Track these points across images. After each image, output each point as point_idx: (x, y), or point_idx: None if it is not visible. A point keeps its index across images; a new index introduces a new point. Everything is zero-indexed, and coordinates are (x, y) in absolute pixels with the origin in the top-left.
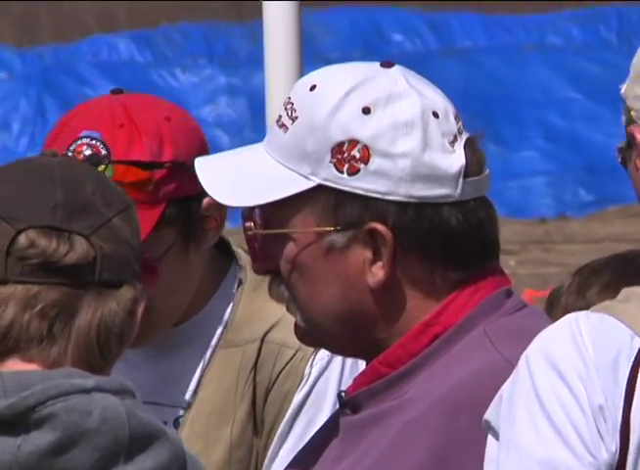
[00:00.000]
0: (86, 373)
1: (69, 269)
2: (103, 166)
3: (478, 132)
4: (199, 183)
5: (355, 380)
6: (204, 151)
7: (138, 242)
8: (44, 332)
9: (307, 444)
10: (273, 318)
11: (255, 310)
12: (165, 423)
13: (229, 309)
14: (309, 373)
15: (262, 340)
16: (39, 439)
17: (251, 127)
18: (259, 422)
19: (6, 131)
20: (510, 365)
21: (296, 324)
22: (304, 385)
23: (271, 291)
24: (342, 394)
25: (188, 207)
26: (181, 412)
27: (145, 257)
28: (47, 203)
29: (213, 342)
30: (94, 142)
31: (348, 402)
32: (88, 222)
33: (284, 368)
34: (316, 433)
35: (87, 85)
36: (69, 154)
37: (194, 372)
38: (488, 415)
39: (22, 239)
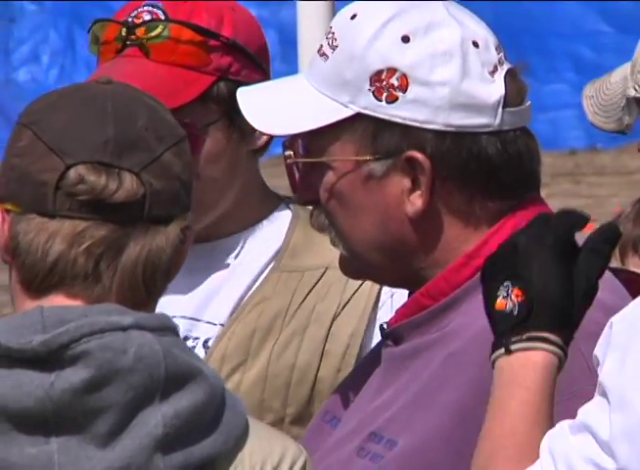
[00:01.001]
0: (126, 309)
1: (118, 206)
2: (160, 27)
3: (520, 64)
4: (257, 70)
5: (397, 312)
6: (263, 50)
7: (189, 176)
8: (90, 269)
9: (351, 373)
10: (334, 249)
11: (313, 240)
12: (197, 339)
13: (283, 235)
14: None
15: (326, 268)
16: (72, 376)
17: (280, 58)
18: (315, 346)
19: (36, 64)
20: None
21: (340, 255)
22: (385, 301)
23: (312, 221)
24: (385, 325)
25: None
26: (217, 330)
27: (185, 121)
28: (98, 137)
29: (264, 263)
30: (154, 9)
31: (390, 334)
32: (139, 158)
33: (357, 290)
34: (360, 363)
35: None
36: (130, 19)
37: (238, 291)
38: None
39: (72, 174)
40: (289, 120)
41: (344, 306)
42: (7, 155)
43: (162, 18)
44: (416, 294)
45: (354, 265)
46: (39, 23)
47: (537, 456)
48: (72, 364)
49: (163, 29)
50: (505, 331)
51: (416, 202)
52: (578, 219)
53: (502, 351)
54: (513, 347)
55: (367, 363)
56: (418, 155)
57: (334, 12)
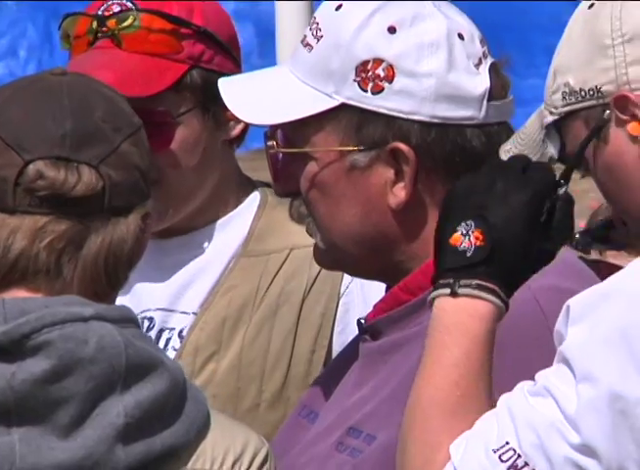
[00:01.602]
0: (87, 301)
1: (78, 201)
2: (131, 18)
3: (502, 58)
4: (229, 58)
5: (375, 306)
6: (234, 39)
7: (148, 164)
8: (52, 264)
9: (327, 368)
10: (299, 230)
11: (279, 223)
12: (173, 329)
13: (250, 222)
14: None
15: (291, 249)
16: (33, 366)
17: (257, 53)
18: (287, 329)
19: (13, 58)
20: (530, 291)
21: (315, 246)
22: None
23: (291, 212)
24: (362, 320)
25: (212, 81)
26: (190, 319)
27: (160, 110)
28: (56, 131)
29: (233, 251)
30: (124, 1)
31: (368, 329)
32: (97, 151)
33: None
34: (336, 357)
35: None
36: (100, 12)
37: (210, 280)
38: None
39: (31, 170)
40: (272, 110)
41: (312, 286)
42: None
43: (131, 6)
44: (394, 288)
45: (330, 256)
46: (17, 18)
47: (476, 412)
48: (34, 354)
49: (134, 19)
50: (451, 269)
51: (399, 193)
52: (559, 182)
53: (447, 291)
54: (460, 290)
55: (344, 358)
56: (402, 146)
57: (312, 7)
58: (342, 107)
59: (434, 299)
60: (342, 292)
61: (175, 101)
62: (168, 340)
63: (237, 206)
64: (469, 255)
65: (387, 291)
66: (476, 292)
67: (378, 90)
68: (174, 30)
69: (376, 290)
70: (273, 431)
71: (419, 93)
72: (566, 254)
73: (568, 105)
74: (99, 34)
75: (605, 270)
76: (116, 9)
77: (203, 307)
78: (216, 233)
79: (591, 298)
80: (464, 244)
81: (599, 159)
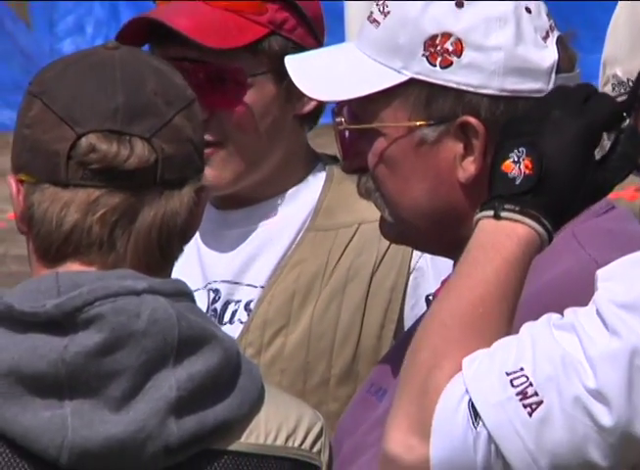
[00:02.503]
0: (141, 275)
1: (131, 173)
2: None
3: (568, 32)
4: (311, 35)
5: (443, 283)
6: (319, 20)
7: (201, 137)
8: (105, 237)
9: (395, 345)
10: (367, 204)
11: (346, 198)
12: (239, 301)
13: (317, 196)
14: None
15: (360, 224)
16: (86, 339)
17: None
18: (356, 303)
19: (80, 34)
20: (598, 266)
21: (381, 219)
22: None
23: (359, 188)
24: (431, 297)
25: (290, 51)
26: (258, 292)
27: (234, 66)
28: (108, 105)
29: (300, 224)
30: None
31: None
32: (149, 124)
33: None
34: (404, 334)
35: None
36: None
37: (277, 253)
38: None
39: (83, 143)
40: (340, 86)
41: (382, 259)
42: (18, 125)
43: None
44: None
45: (397, 230)
46: None
47: (495, 332)
48: (86, 328)
49: None
50: (501, 196)
51: (468, 167)
52: (618, 112)
53: (491, 213)
54: (503, 213)
55: (412, 334)
56: (472, 119)
57: None
58: (411, 82)
59: (478, 221)
60: (412, 267)
61: (250, 62)
62: (234, 312)
63: (303, 179)
64: (517, 183)
65: (454, 267)
66: (517, 216)
67: (446, 64)
68: None
69: (446, 266)
70: (342, 406)
71: (488, 67)
72: (625, 225)
73: (619, 96)
74: None
75: None
76: None
77: (271, 281)
78: (283, 206)
79: (621, 263)
80: (514, 171)
81: None
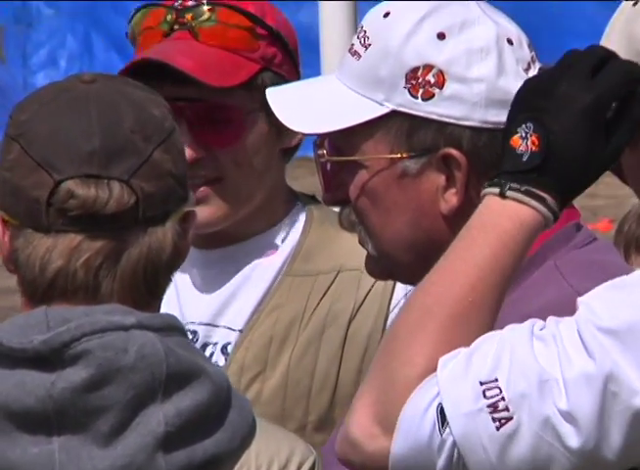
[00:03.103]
0: (129, 309)
1: (111, 217)
2: (208, 12)
3: (550, 63)
4: (294, 68)
5: None
6: (296, 51)
7: (181, 168)
8: (90, 281)
9: None
10: (347, 249)
11: (326, 242)
12: (216, 344)
13: (297, 238)
14: (403, 286)
15: (339, 271)
16: (73, 375)
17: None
18: (334, 350)
19: (54, 68)
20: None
21: (367, 255)
22: (400, 300)
23: (341, 220)
24: None
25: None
26: (235, 335)
27: (232, 104)
28: (85, 148)
29: (279, 267)
30: None
31: None
32: (127, 164)
33: (370, 290)
34: None
35: None
36: (176, 4)
37: (255, 296)
38: None
39: (62, 190)
40: (322, 119)
41: (360, 307)
42: None
43: (206, 2)
44: None
45: (382, 265)
46: (56, 28)
47: (480, 325)
48: (73, 363)
49: (212, 14)
50: (508, 172)
51: (451, 199)
52: (630, 82)
53: (497, 190)
54: (508, 193)
55: None
56: (454, 152)
57: (356, 12)
58: (393, 114)
59: (484, 196)
60: (390, 310)
61: (245, 99)
62: (211, 355)
63: (282, 219)
64: (524, 159)
65: None
66: (522, 197)
67: (428, 96)
68: (251, 28)
69: None
70: (320, 453)
71: (470, 98)
72: (608, 256)
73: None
74: (176, 26)
75: None
76: (191, 3)
77: (248, 326)
78: (262, 247)
79: (605, 287)
80: (521, 147)
81: None
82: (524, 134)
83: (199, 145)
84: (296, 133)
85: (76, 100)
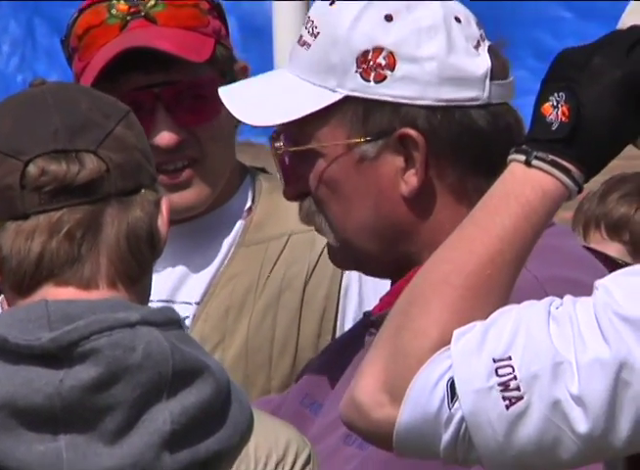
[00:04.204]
0: (131, 304)
1: (85, 187)
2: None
3: (499, 40)
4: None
5: (382, 300)
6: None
7: (145, 145)
8: (75, 253)
9: (326, 354)
10: (296, 214)
11: (275, 210)
12: None
13: (247, 209)
14: None
15: (290, 235)
16: (82, 373)
17: (241, 48)
18: (291, 315)
19: None
20: (538, 283)
21: (329, 246)
22: None
23: (301, 213)
24: (367, 314)
25: (230, 58)
26: (193, 309)
27: (212, 77)
28: (47, 129)
29: (232, 239)
30: None
31: (375, 323)
32: (92, 137)
33: (322, 251)
34: (335, 344)
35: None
36: (115, 1)
37: (210, 269)
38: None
39: (32, 169)
40: (276, 110)
41: (314, 270)
42: None
43: None
44: (401, 281)
45: (344, 254)
46: None
47: (496, 298)
48: (82, 362)
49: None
50: (535, 139)
51: (410, 180)
52: None
53: (523, 157)
54: (534, 162)
55: (345, 347)
56: (411, 131)
57: (307, 7)
58: (346, 99)
59: (510, 162)
60: (344, 274)
61: (213, 74)
62: None
63: (234, 192)
64: (553, 128)
65: (392, 285)
66: (547, 167)
67: (380, 79)
68: (196, 5)
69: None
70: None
71: (422, 78)
72: (566, 241)
73: None
74: (128, 17)
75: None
76: None
77: (205, 298)
78: (215, 221)
79: (625, 273)
80: (552, 115)
81: None
82: (555, 103)
83: (179, 127)
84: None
85: (31, 95)
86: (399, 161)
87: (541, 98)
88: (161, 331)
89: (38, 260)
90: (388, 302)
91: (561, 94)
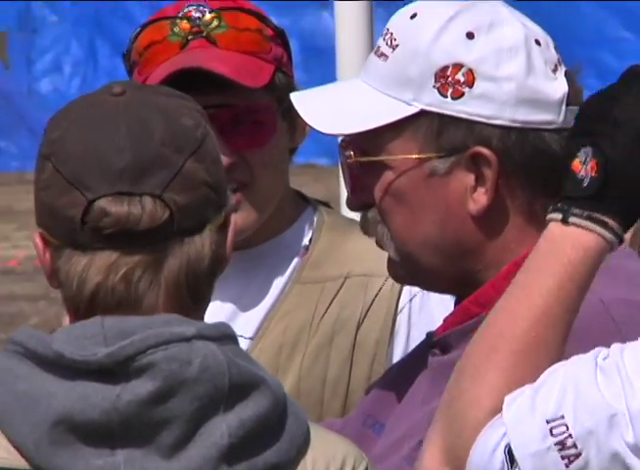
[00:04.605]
0: (186, 319)
1: (145, 233)
2: (216, 19)
3: (576, 67)
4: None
5: (445, 320)
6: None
7: (216, 173)
8: (131, 295)
9: (388, 377)
10: (354, 255)
11: (334, 249)
12: None
13: (305, 245)
14: (408, 290)
15: (346, 277)
16: (139, 388)
17: (302, 68)
18: (343, 357)
19: (58, 74)
20: (603, 305)
21: (389, 259)
22: (405, 305)
23: (363, 224)
24: (430, 334)
25: (290, 85)
26: (246, 343)
27: (265, 103)
28: (116, 165)
29: (289, 274)
30: (202, 7)
31: (438, 343)
32: (159, 179)
33: (377, 295)
34: (397, 367)
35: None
36: (178, 19)
37: (265, 303)
38: None
39: (95, 209)
40: (350, 120)
41: (367, 313)
42: (35, 187)
43: (208, 10)
44: (465, 302)
45: (405, 269)
46: (60, 34)
47: (544, 359)
48: (138, 376)
49: (220, 20)
50: (570, 197)
51: (480, 199)
52: None
53: (559, 216)
54: (571, 219)
55: (407, 368)
56: (484, 150)
57: (371, 14)
58: (421, 114)
59: (549, 221)
60: (398, 312)
61: (270, 100)
62: None
63: (293, 223)
64: (584, 185)
65: (456, 305)
66: (584, 222)
67: (458, 95)
68: (260, 30)
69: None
70: None
71: (499, 97)
72: (632, 263)
73: None
74: (189, 37)
75: None
76: (196, 14)
77: (259, 333)
78: (271, 251)
79: None
80: (582, 172)
81: None
82: (583, 159)
83: (230, 151)
84: (304, 133)
85: (106, 116)
86: (470, 178)
87: (570, 154)
88: (218, 345)
89: (92, 297)
90: (451, 322)
91: (587, 149)
